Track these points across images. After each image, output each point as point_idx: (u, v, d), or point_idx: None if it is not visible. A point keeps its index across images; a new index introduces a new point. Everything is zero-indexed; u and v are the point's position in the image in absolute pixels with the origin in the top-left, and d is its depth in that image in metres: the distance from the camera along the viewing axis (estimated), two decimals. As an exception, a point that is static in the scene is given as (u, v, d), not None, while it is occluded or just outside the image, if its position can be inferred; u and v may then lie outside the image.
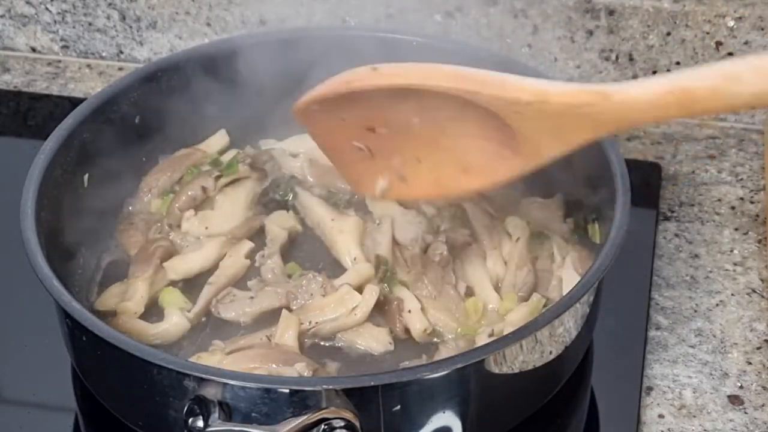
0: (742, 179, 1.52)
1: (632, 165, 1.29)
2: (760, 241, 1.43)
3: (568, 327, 1.17)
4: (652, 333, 1.33)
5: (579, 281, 1.17)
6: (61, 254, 1.25)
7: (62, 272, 1.19)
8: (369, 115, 1.23)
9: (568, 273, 1.29)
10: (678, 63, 1.58)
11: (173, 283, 1.32)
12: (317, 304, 1.26)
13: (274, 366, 1.18)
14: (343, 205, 1.40)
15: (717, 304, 1.36)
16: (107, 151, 1.36)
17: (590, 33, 1.58)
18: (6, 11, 1.72)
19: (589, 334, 1.24)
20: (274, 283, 1.29)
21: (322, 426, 1.05)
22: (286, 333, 1.23)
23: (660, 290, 1.37)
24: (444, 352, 1.22)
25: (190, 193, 1.38)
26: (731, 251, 1.42)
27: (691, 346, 1.31)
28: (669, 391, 1.27)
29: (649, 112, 1.08)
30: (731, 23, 1.54)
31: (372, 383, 1.07)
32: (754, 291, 1.37)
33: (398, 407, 1.08)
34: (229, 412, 1.07)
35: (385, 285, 1.28)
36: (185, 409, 1.06)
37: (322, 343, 1.25)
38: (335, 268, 1.32)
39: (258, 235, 1.36)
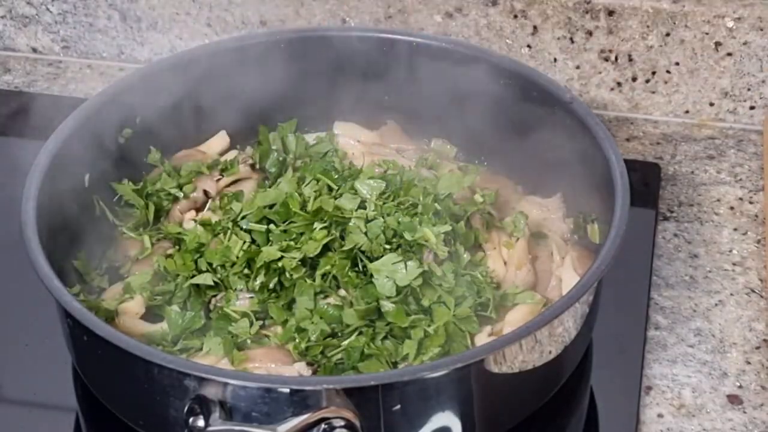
0: (741, 179, 1.52)
1: (631, 165, 1.30)
2: (759, 241, 1.43)
3: (568, 327, 1.17)
4: (651, 333, 1.33)
5: (578, 281, 1.17)
6: (62, 254, 1.25)
7: (63, 272, 1.19)
8: None
9: (567, 273, 1.29)
10: (677, 63, 1.58)
11: (174, 284, 1.32)
12: (317, 304, 1.26)
13: (273, 365, 1.18)
14: (343, 206, 1.39)
15: (716, 304, 1.36)
16: (108, 151, 1.36)
17: (590, 33, 1.58)
18: (7, 12, 1.72)
19: (588, 334, 1.24)
20: (274, 283, 1.30)
21: (323, 425, 1.05)
22: (286, 333, 1.23)
23: (659, 290, 1.37)
24: (444, 352, 1.22)
25: (191, 194, 1.38)
26: (730, 251, 1.42)
27: (690, 346, 1.31)
28: (668, 390, 1.27)
29: None
30: (730, 24, 1.54)
31: (372, 383, 1.08)
32: (753, 291, 1.37)
33: (398, 407, 1.08)
34: (229, 412, 1.07)
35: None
36: (186, 408, 1.06)
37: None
38: (335, 268, 1.32)
39: (258, 236, 1.36)
